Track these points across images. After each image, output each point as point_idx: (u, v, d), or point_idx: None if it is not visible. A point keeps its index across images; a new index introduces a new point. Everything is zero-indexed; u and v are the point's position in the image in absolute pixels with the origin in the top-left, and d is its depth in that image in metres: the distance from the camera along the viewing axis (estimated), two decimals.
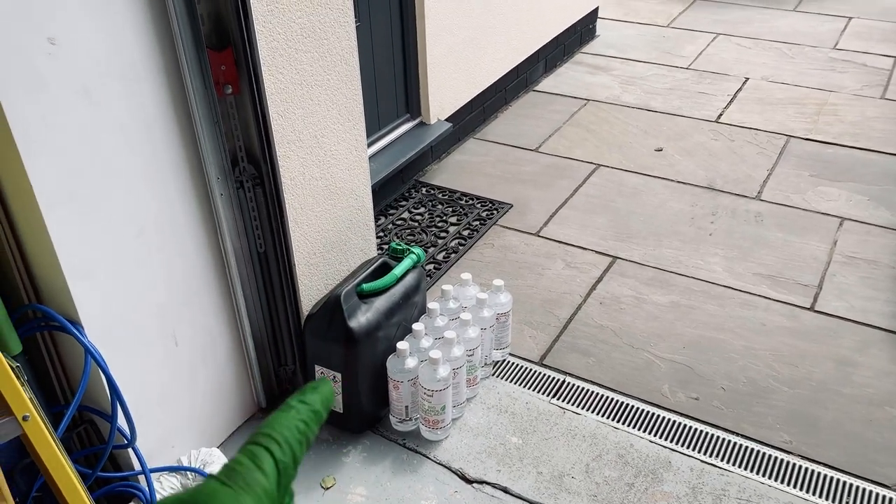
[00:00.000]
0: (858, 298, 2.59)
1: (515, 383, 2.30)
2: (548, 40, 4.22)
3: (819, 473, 2.00)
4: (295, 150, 1.90)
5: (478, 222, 3.08)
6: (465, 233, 3.02)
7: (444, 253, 2.91)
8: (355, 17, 2.00)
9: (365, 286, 2.06)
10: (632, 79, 4.28)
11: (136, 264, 1.69)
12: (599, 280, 2.73)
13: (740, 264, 2.78)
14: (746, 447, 2.08)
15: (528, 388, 2.28)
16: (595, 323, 2.53)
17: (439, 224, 3.08)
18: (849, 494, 1.95)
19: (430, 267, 2.83)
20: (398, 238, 3.00)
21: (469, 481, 2.00)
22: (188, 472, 1.86)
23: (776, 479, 1.99)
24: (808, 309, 2.56)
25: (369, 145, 3.01)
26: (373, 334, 2.01)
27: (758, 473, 2.00)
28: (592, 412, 2.20)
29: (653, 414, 2.19)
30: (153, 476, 1.81)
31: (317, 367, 2.06)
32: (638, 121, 3.83)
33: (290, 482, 0.55)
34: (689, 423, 2.16)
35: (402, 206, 3.20)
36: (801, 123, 3.73)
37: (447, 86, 3.41)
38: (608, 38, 4.84)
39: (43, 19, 1.38)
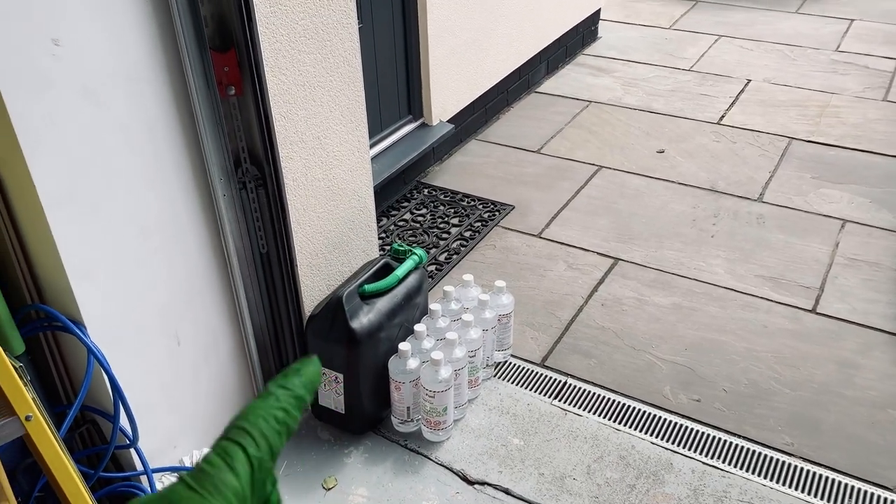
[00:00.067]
0: (860, 301, 2.59)
1: (517, 385, 2.30)
2: (550, 42, 4.22)
3: (821, 476, 2.00)
4: (297, 151, 1.90)
5: (479, 223, 3.08)
6: (467, 234, 3.02)
7: (445, 254, 2.91)
8: (358, 18, 2.00)
9: (367, 287, 2.06)
10: (634, 80, 4.28)
11: (138, 264, 1.69)
12: (601, 282, 2.73)
13: (742, 266, 2.78)
14: (748, 449, 2.08)
15: (530, 390, 2.28)
16: (597, 324, 2.54)
17: (441, 225, 3.08)
18: (850, 497, 1.95)
19: (432, 268, 2.84)
20: (400, 239, 3.00)
21: (470, 482, 2.00)
22: None
23: (778, 482, 1.99)
24: (810, 311, 2.56)
25: (371, 146, 3.01)
26: (375, 335, 2.02)
27: (759, 475, 2.00)
28: (594, 414, 2.20)
29: (654, 415, 2.19)
30: (155, 476, 1.81)
31: None
32: (640, 122, 3.83)
33: (267, 475, 0.54)
34: (690, 424, 2.16)
35: (404, 207, 3.20)
36: (803, 125, 3.73)
37: (449, 87, 3.42)
38: (610, 39, 4.84)
39: (47, 20, 1.38)
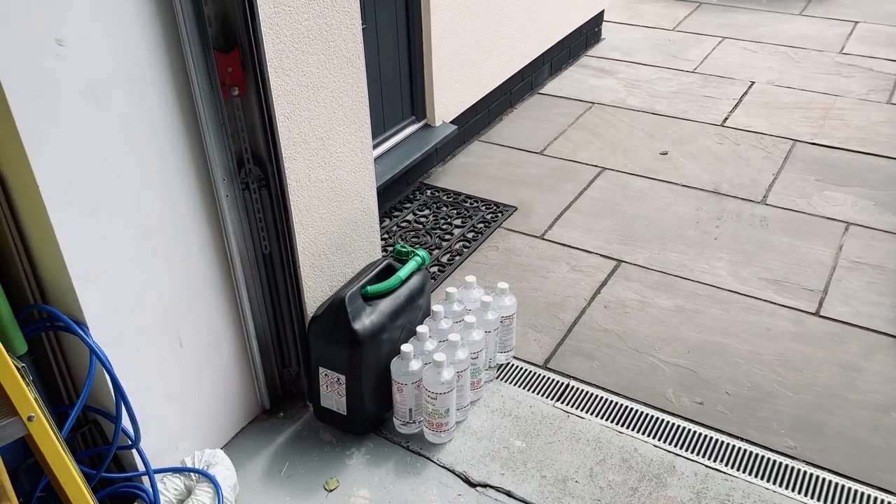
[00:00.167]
0: (864, 304, 2.58)
1: (519, 387, 2.30)
2: (553, 43, 4.22)
3: (824, 479, 2.00)
4: (301, 152, 1.90)
5: (482, 225, 3.08)
6: (470, 235, 3.02)
7: (448, 255, 2.91)
8: (361, 19, 2.00)
9: (369, 288, 2.06)
10: (637, 82, 4.28)
11: (141, 265, 1.69)
12: (604, 283, 2.73)
13: (745, 269, 2.77)
14: (751, 452, 2.07)
15: (532, 392, 2.28)
16: (599, 327, 2.53)
17: (444, 226, 3.08)
18: (853, 501, 1.94)
19: (435, 269, 2.83)
20: (403, 240, 3.00)
21: (472, 484, 2.00)
22: (192, 474, 1.86)
23: (781, 485, 1.98)
24: (814, 314, 2.55)
25: (374, 147, 3.01)
26: (377, 336, 2.01)
27: (762, 479, 2.00)
28: (596, 416, 2.19)
29: (657, 418, 2.18)
30: (157, 477, 1.81)
31: (321, 369, 2.06)
32: (643, 124, 3.82)
33: None
34: (693, 427, 2.15)
35: (407, 209, 3.20)
36: (807, 128, 3.72)
37: (452, 88, 3.42)
38: (613, 41, 4.84)
39: (51, 20, 1.38)
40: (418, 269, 2.18)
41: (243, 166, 1.86)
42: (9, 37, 1.32)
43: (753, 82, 4.23)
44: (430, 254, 2.90)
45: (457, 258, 2.89)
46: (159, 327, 1.78)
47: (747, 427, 2.15)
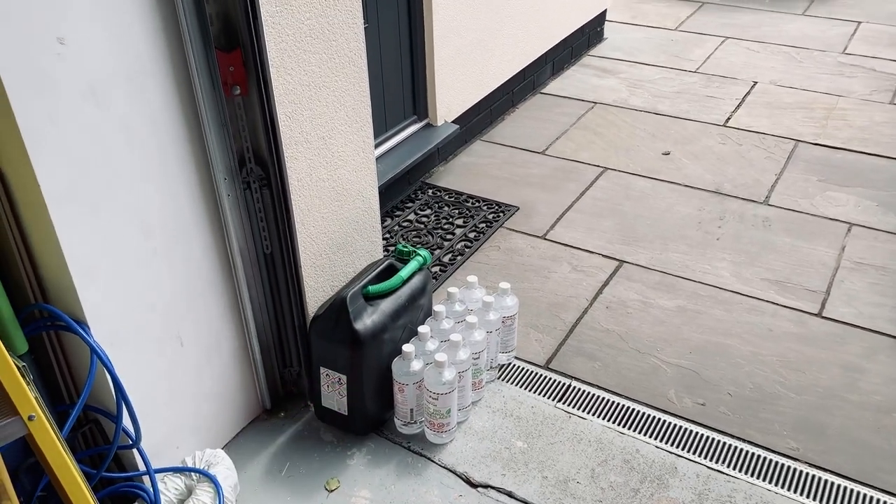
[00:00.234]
0: (866, 305, 2.58)
1: (521, 387, 2.29)
2: (555, 43, 4.21)
3: (826, 481, 1.99)
4: (302, 152, 1.90)
5: (484, 225, 3.07)
6: (472, 235, 3.01)
7: (450, 255, 2.90)
8: (363, 18, 2.00)
9: (371, 288, 2.06)
10: (639, 82, 4.27)
11: (141, 264, 1.69)
12: (606, 284, 2.72)
13: (748, 269, 2.77)
14: (753, 453, 2.07)
15: (534, 392, 2.27)
16: (601, 327, 2.53)
17: (445, 226, 3.07)
18: (855, 502, 1.93)
19: (436, 269, 2.83)
20: (404, 240, 3.00)
21: (474, 485, 1.99)
22: (192, 473, 1.85)
23: (783, 486, 1.97)
24: (816, 315, 2.55)
25: (376, 147, 3.00)
26: (378, 336, 2.01)
27: (764, 480, 1.99)
28: (598, 417, 2.19)
29: (659, 419, 2.18)
30: (157, 476, 1.80)
31: (322, 369, 2.06)
32: (645, 124, 3.82)
33: None
34: (695, 428, 2.15)
35: (409, 208, 3.20)
36: (810, 128, 3.72)
37: (454, 88, 3.41)
38: (616, 41, 4.83)
39: (52, 19, 1.38)
40: (420, 269, 2.18)
41: (245, 165, 1.85)
42: (9, 36, 1.32)
43: (756, 82, 4.22)
44: (432, 254, 2.90)
45: (458, 258, 2.88)
46: (160, 327, 1.78)
47: (749, 428, 2.15)
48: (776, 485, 1.98)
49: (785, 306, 2.58)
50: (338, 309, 1.98)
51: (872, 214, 3.05)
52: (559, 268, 2.81)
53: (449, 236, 3.01)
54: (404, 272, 2.12)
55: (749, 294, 2.65)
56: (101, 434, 1.77)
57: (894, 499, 1.94)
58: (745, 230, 2.99)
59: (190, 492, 1.83)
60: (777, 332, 2.47)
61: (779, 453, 2.07)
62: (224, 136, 1.78)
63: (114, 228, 1.60)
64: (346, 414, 2.08)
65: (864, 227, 2.98)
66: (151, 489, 1.76)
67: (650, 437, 2.12)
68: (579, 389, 2.28)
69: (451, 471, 2.03)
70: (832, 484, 1.98)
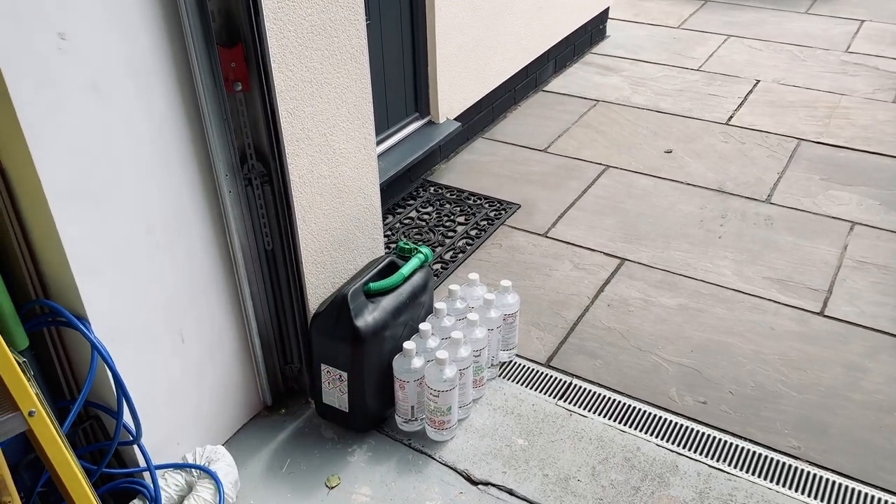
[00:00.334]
0: (868, 304, 2.57)
1: (522, 385, 2.29)
2: (558, 40, 4.21)
3: (827, 480, 1.99)
4: (304, 148, 1.90)
5: (485, 222, 3.07)
6: (473, 233, 3.01)
7: (451, 252, 2.90)
8: (366, 15, 1.99)
9: (372, 285, 2.05)
10: (642, 80, 4.26)
11: (143, 261, 1.69)
12: (607, 282, 2.72)
13: (750, 268, 2.76)
14: (754, 452, 2.07)
15: (535, 390, 2.27)
16: (602, 325, 2.52)
17: (447, 223, 3.07)
18: (856, 501, 1.93)
19: (438, 266, 2.83)
20: (405, 237, 3.00)
21: (474, 482, 1.99)
22: (193, 470, 1.85)
23: (784, 485, 1.97)
24: (818, 314, 2.54)
25: (378, 143, 3.00)
26: (379, 334, 2.01)
27: (765, 479, 1.99)
28: (599, 415, 2.19)
29: (660, 417, 2.18)
30: (158, 473, 1.80)
31: (323, 366, 2.06)
32: (647, 122, 3.81)
33: None
34: (696, 427, 2.15)
35: (410, 205, 3.19)
36: (813, 126, 3.71)
37: (456, 85, 3.41)
38: (618, 38, 4.82)
39: (54, 14, 1.37)
40: (421, 267, 2.18)
41: (246, 162, 1.85)
42: (11, 30, 1.32)
43: (759, 81, 4.21)
44: (433, 251, 2.89)
45: (460, 255, 2.88)
46: (161, 323, 1.78)
47: (750, 427, 2.14)
48: (777, 483, 1.98)
49: (787, 305, 2.58)
50: (339, 306, 1.98)
51: (875, 213, 3.04)
52: (561, 266, 2.81)
53: (450, 234, 3.00)
54: (405, 269, 2.12)
55: (751, 293, 2.64)
56: (101, 430, 1.77)
57: (895, 498, 1.93)
58: (748, 229, 2.98)
59: (190, 488, 1.83)
60: (779, 331, 2.47)
61: (780, 452, 2.07)
62: (225, 132, 1.78)
63: (115, 224, 1.60)
64: (347, 411, 2.08)
65: (866, 225, 2.97)
66: (152, 485, 1.76)
67: (651, 435, 2.12)
68: (580, 387, 2.28)
69: (451, 468, 2.03)
70: (833, 483, 1.98)
